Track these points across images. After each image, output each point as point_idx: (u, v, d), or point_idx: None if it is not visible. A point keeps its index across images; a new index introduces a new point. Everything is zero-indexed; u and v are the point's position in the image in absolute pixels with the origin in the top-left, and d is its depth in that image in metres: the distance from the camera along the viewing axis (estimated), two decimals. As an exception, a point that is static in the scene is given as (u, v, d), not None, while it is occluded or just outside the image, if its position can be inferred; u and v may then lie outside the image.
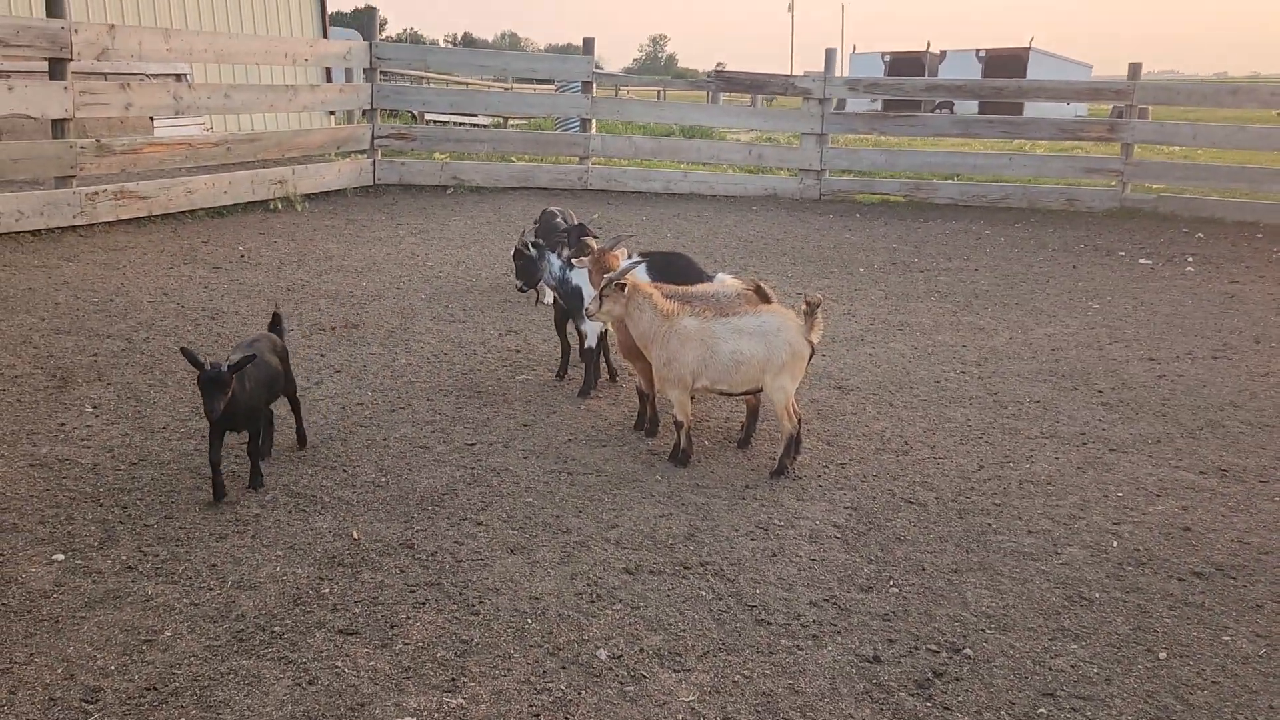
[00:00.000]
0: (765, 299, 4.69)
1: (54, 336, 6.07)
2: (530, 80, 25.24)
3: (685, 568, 3.57)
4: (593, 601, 3.30)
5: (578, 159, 12.53)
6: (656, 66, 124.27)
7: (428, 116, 17.68)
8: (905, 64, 43.19)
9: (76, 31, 8.19)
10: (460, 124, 16.65)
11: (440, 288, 7.81)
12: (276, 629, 3.06)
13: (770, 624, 3.21)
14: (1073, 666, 3.02)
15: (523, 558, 3.59)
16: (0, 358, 5.62)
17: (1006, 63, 38.40)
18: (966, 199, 12.68)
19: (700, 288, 4.88)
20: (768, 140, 16.42)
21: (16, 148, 8.24)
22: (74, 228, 8.40)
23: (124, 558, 3.49)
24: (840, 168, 13.18)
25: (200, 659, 2.89)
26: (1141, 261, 9.94)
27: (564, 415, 5.17)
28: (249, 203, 10.04)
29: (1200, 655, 3.11)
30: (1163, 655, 3.10)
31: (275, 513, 3.89)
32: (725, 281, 5.38)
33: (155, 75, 12.16)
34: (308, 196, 10.61)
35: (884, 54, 47.36)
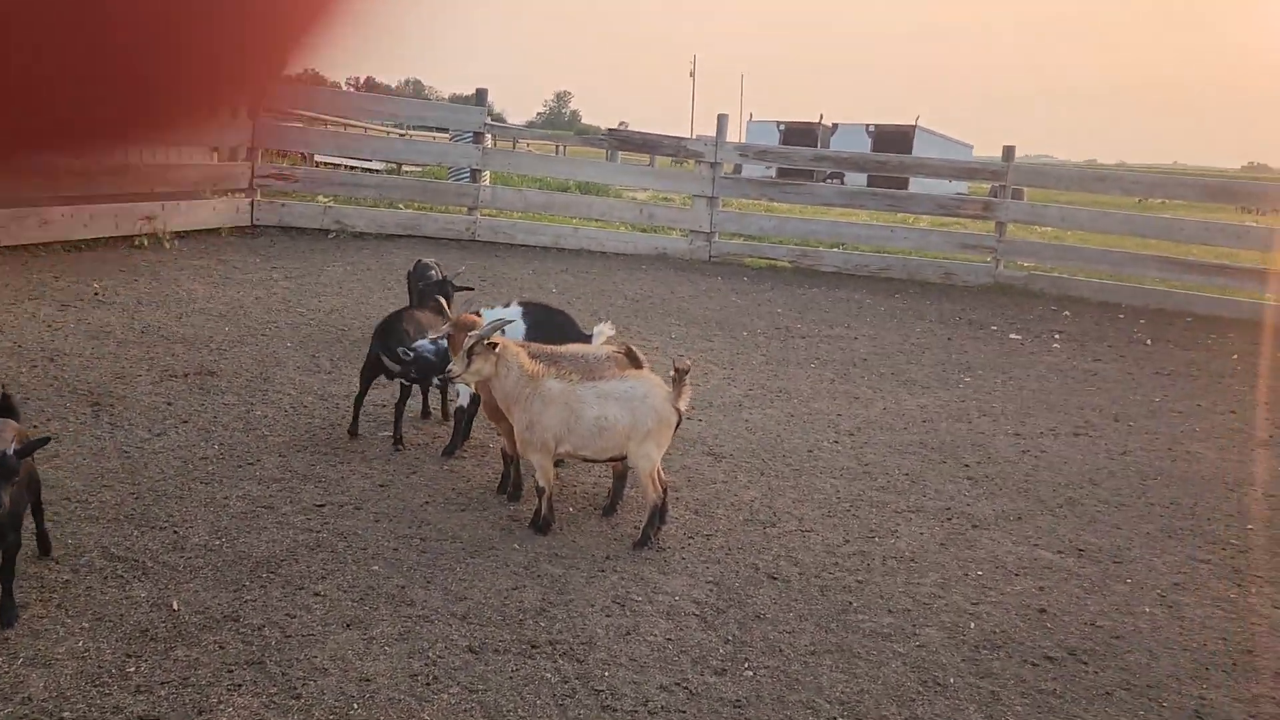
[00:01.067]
0: (635, 363, 4.59)
1: None
2: (428, 128, 25.04)
3: (533, 646, 3.37)
4: (429, 684, 3.08)
5: (466, 209, 12.36)
6: (560, 121, 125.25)
7: (316, 159, 17.30)
8: (798, 134, 44.51)
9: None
10: (352, 168, 16.30)
11: (309, 335, 7.49)
12: (65, 715, 2.75)
13: (616, 710, 3.04)
14: (923, 758, 2.93)
15: (358, 633, 3.35)
16: None
17: (894, 138, 39.98)
18: (850, 268, 12.95)
19: (569, 348, 4.75)
20: (662, 200, 16.57)
21: None
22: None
23: (-100, 629, 3.11)
24: (730, 231, 13.33)
25: (-31, 751, 2.56)
26: (1012, 336, 10.25)
27: (424, 475, 4.94)
28: (112, 238, 9.52)
29: (1049, 745, 3.06)
30: (1013, 745, 3.04)
31: (88, 579, 3.55)
32: (604, 334, 5.29)
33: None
34: (179, 234, 10.13)
35: (779, 123, 48.70)
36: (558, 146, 21.13)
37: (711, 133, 12.85)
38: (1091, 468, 6.04)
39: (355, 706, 2.92)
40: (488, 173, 12.53)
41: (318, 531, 4.14)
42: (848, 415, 6.83)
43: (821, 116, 49.00)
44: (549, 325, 5.42)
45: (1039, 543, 4.77)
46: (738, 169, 32.56)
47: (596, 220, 13.34)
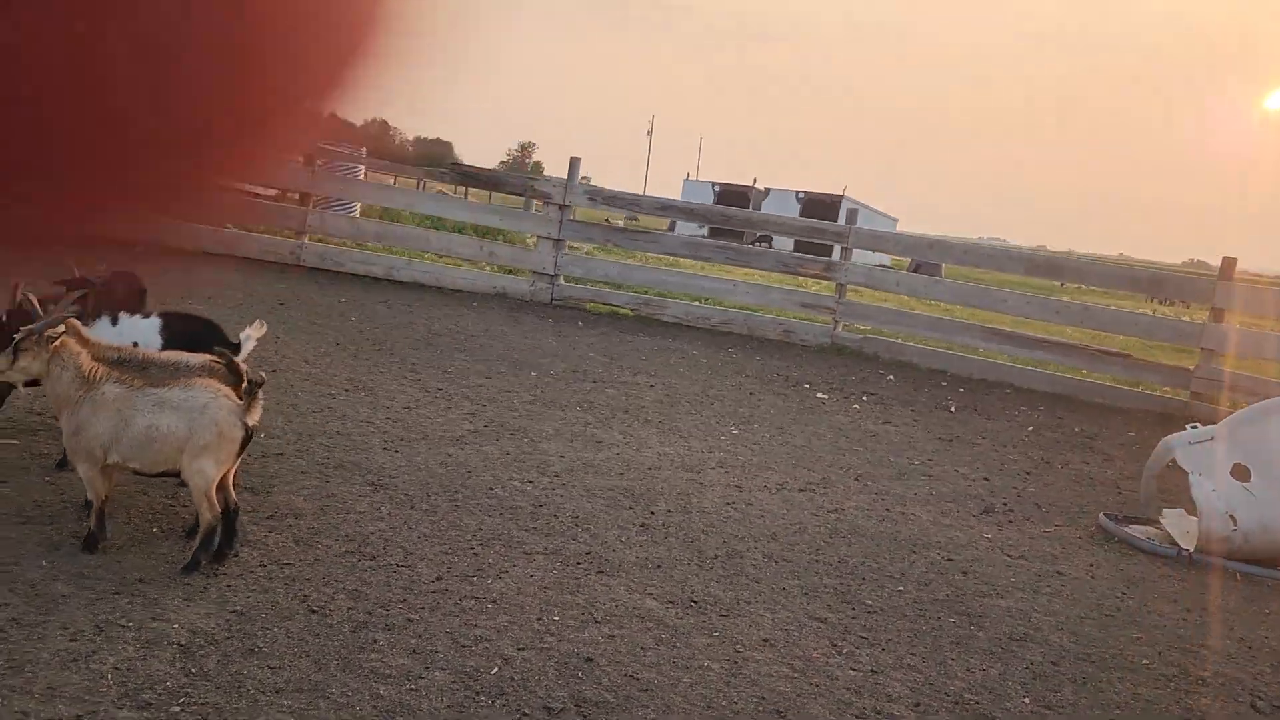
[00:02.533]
0: (235, 374, 4.31)
1: None
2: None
3: (-60, 666, 3.04)
4: None
5: (294, 232, 12.08)
6: (520, 171, 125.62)
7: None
8: (732, 195, 45.06)
9: None
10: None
11: None
12: None
13: (-37, 739, 2.71)
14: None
15: None
16: None
17: (822, 206, 40.57)
18: (691, 319, 12.83)
19: (163, 354, 4.47)
20: (504, 239, 16.49)
21: None
22: None
23: None
24: (574, 275, 13.18)
25: None
26: (819, 395, 10.13)
27: (15, 487, 4.59)
28: None
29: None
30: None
31: None
32: (252, 339, 5.05)
33: None
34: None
35: (715, 184, 49.29)
36: (419, 181, 20.96)
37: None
38: (786, 523, 5.84)
39: None
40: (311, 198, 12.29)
41: None
42: (571, 457, 6.59)
43: (755, 180, 49.63)
44: (189, 335, 5.12)
45: (654, 592, 4.53)
46: (672, 225, 32.70)
47: (433, 254, 13.13)
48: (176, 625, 3.54)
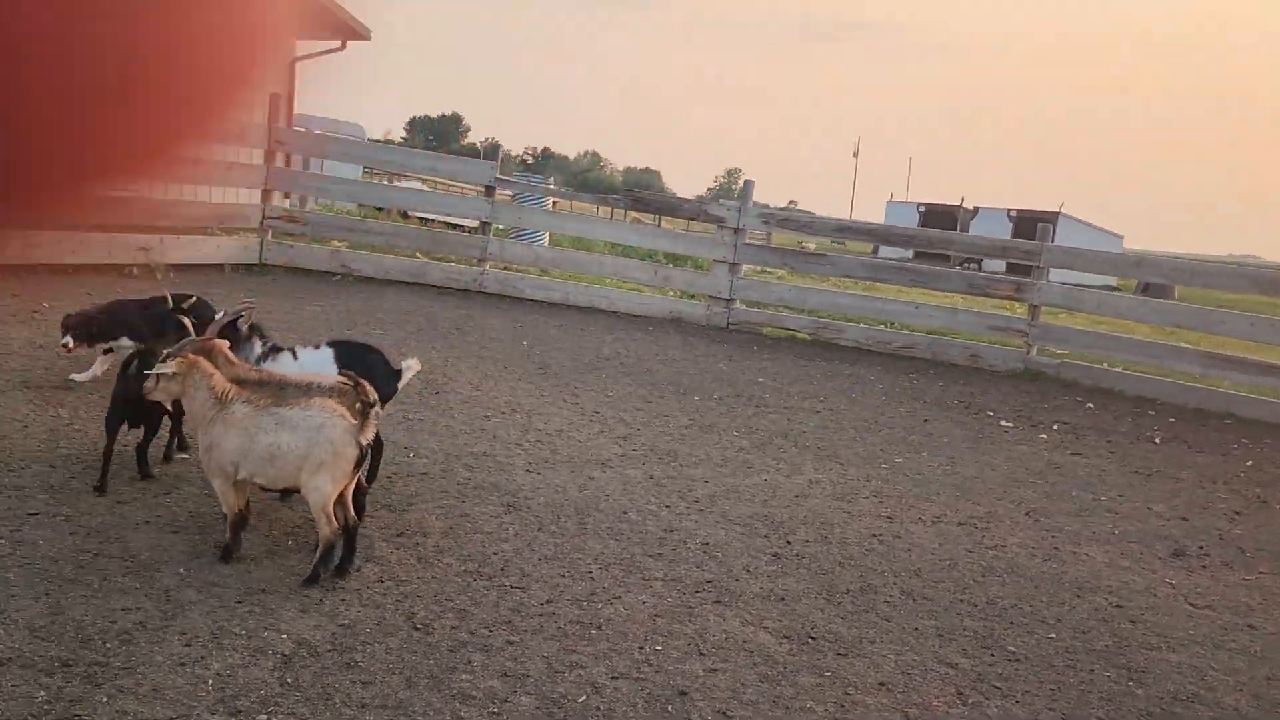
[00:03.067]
0: (364, 396, 4.47)
1: None
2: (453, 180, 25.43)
3: (63, 664, 3.28)
4: (-94, 685, 3.03)
5: (475, 260, 12.58)
6: (729, 195, 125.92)
7: (410, 214, 18.11)
8: (938, 215, 43.58)
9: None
10: (456, 226, 16.80)
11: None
12: None
13: (63, 733, 2.90)
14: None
15: (-93, 631, 3.34)
16: None
17: (1036, 224, 38.43)
18: (871, 343, 12.38)
19: (300, 376, 4.69)
20: (681, 263, 16.54)
21: None
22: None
23: None
24: (750, 299, 13.02)
25: None
26: (1002, 423, 9.50)
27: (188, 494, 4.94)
28: (103, 265, 10.18)
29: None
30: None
31: None
32: (412, 369, 5.28)
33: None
34: (176, 266, 10.73)
35: (919, 204, 47.82)
36: (564, 203, 21.29)
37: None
38: (935, 559, 5.46)
39: None
40: (493, 226, 12.75)
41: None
42: (715, 483, 6.45)
43: (963, 199, 47.70)
44: (359, 362, 5.35)
45: (771, 625, 4.32)
46: (875, 249, 31.95)
47: (609, 279, 13.31)
48: (285, 635, 3.68)
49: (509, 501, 5.54)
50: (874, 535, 5.77)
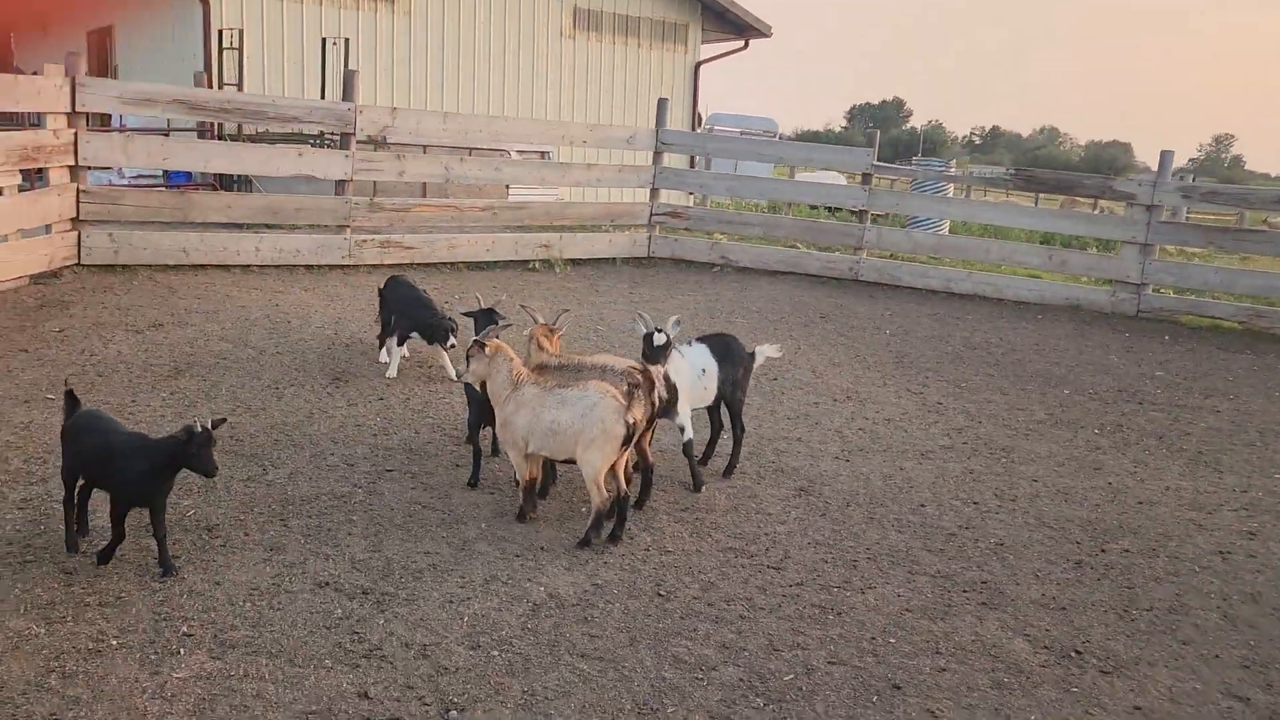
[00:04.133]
0: (647, 380, 4.83)
1: (215, 342, 7.59)
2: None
3: (363, 591, 3.99)
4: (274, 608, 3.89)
5: (851, 249, 12.49)
6: (1218, 168, 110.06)
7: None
8: None
9: (360, 112, 10.19)
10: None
11: (590, 345, 8.52)
12: (35, 553, 4.08)
13: (358, 644, 3.55)
14: None
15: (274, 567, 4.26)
16: (152, 353, 7.33)
17: None
18: (1321, 335, 10.48)
19: (595, 358, 5.14)
20: (1075, 245, 14.84)
21: (300, 200, 10.46)
22: (341, 266, 10.44)
23: None
24: (1165, 283, 11.60)
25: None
26: None
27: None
28: (510, 261, 11.62)
29: None
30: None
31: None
32: (765, 353, 5.67)
33: (523, 152, 14.54)
34: (573, 261, 11.94)
35: None
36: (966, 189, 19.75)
37: None
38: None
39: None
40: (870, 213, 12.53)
41: (356, 487, 5.12)
42: (1045, 482, 5.98)
43: None
44: (723, 349, 5.68)
45: (1033, 634, 3.99)
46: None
47: (994, 265, 12.51)
48: (542, 588, 4.14)
49: (803, 486, 5.62)
50: (1220, 551, 5.03)
